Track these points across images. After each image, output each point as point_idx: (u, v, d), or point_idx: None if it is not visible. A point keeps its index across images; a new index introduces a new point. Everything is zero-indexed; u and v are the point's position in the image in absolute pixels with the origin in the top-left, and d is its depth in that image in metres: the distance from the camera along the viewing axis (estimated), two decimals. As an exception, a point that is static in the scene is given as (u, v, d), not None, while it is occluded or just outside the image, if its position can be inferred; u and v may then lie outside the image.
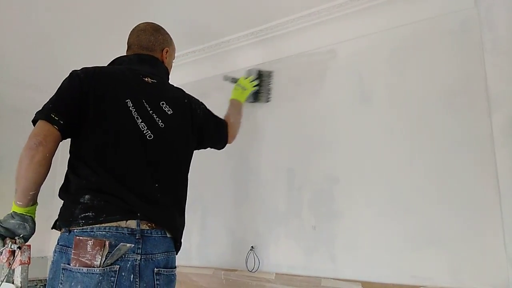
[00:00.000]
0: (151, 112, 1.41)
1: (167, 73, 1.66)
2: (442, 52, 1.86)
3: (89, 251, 1.12)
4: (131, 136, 1.35)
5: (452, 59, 1.83)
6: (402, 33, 1.97)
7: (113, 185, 1.26)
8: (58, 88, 1.34)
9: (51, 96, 1.32)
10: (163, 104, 1.47)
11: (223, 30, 2.39)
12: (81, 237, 1.15)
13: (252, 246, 2.20)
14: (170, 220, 1.39)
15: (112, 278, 1.14)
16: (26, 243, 1.33)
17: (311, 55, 2.25)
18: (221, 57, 2.59)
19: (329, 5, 2.09)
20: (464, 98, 1.77)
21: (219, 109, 1.97)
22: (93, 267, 1.12)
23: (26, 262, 1.34)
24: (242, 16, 2.23)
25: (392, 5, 1.98)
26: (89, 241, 1.14)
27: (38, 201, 1.34)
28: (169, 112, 1.47)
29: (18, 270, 1.36)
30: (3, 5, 2.06)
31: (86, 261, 1.12)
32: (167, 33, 1.68)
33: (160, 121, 1.42)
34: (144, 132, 1.37)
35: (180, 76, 2.58)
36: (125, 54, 1.60)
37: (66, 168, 1.33)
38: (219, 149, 1.94)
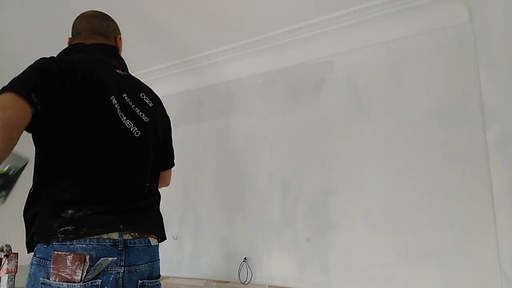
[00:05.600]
0: (133, 107, 1.27)
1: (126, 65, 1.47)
2: (437, 66, 1.87)
3: (69, 266, 1.06)
4: (119, 139, 1.21)
5: (447, 73, 1.84)
6: (398, 47, 1.98)
7: (98, 197, 1.15)
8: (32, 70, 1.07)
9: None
10: (143, 96, 1.33)
11: (225, 39, 2.40)
12: (59, 252, 1.08)
13: (245, 258, 2.18)
14: (155, 224, 1.31)
15: None
16: (13, 251, 1.30)
17: (308, 66, 2.26)
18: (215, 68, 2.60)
19: (326, 17, 2.10)
20: (459, 112, 1.78)
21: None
22: (74, 282, 1.06)
23: (13, 270, 1.31)
24: (241, 27, 2.24)
25: (388, 19, 1.99)
26: (68, 256, 1.06)
27: None
28: (150, 104, 1.34)
29: (4, 278, 1.33)
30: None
31: (67, 276, 1.06)
32: (115, 22, 1.49)
33: (144, 115, 1.29)
34: (131, 129, 1.23)
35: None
36: (77, 42, 1.36)
37: (36, 173, 1.17)
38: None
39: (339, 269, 1.91)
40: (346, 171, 1.99)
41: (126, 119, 1.22)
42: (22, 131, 1.01)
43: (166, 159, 1.51)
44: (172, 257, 2.46)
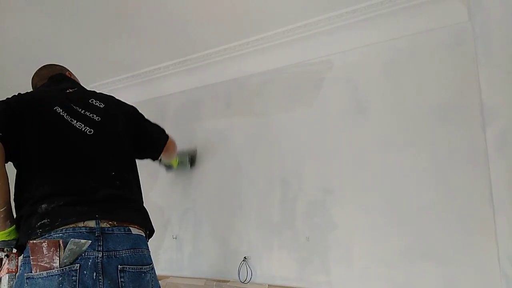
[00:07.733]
0: (82, 111, 1.43)
1: (82, 86, 1.69)
2: (436, 65, 1.87)
3: (46, 254, 1.10)
4: (71, 138, 1.35)
5: (447, 72, 1.84)
6: (398, 46, 1.98)
7: (66, 189, 1.24)
8: None
9: None
10: (92, 101, 1.50)
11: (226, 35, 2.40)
12: (35, 241, 1.12)
13: (245, 257, 2.18)
14: (135, 215, 1.35)
15: (73, 278, 1.10)
16: (14, 251, 1.30)
17: (307, 65, 2.26)
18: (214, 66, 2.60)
19: (326, 16, 2.10)
20: (458, 111, 1.78)
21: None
22: (52, 269, 1.09)
23: (13, 270, 1.31)
24: (240, 26, 2.24)
25: (388, 18, 2.00)
26: (44, 243, 1.11)
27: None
28: (101, 106, 1.50)
29: (5, 278, 1.32)
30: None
31: (46, 265, 1.10)
32: (60, 65, 1.77)
33: (95, 115, 1.44)
34: (83, 129, 1.38)
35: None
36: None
37: (15, 185, 1.32)
38: (154, 157, 1.80)
39: (339, 268, 1.91)
40: (346, 170, 2.00)
41: (76, 122, 1.39)
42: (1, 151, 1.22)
43: (150, 145, 1.71)
44: (172, 257, 2.46)
